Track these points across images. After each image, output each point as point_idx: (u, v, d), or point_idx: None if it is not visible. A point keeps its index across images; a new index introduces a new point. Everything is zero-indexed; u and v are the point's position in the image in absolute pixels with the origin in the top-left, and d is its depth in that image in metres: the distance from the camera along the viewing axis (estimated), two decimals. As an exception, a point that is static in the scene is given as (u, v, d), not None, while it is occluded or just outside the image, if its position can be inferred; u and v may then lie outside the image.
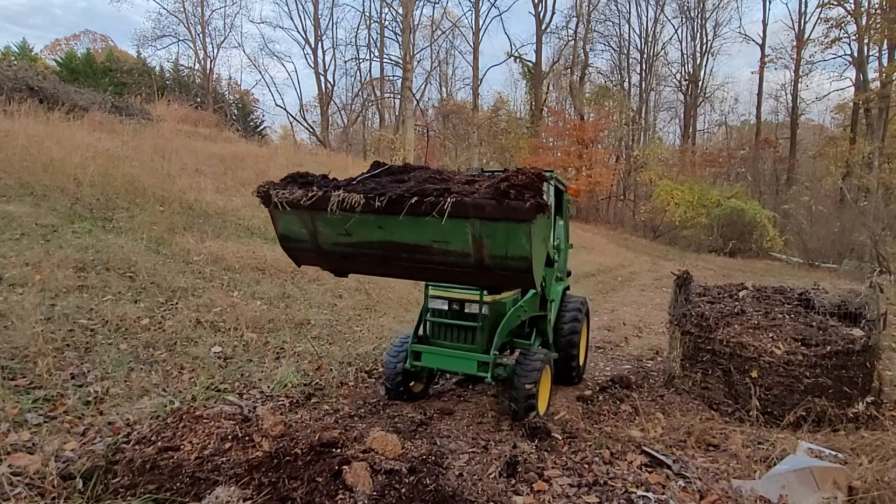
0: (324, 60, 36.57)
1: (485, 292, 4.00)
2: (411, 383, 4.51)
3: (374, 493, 2.70)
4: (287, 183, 3.18)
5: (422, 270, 3.19)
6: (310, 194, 2.97)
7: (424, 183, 2.89)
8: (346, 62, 46.24)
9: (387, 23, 36.26)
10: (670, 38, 41.75)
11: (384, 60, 36.35)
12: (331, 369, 4.98)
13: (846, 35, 28.66)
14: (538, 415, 3.95)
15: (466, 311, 4.13)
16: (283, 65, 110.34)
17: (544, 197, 2.67)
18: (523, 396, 3.90)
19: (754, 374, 4.43)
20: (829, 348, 4.33)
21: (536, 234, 2.71)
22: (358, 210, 2.83)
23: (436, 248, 2.89)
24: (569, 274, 5.93)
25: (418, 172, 3.15)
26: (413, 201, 2.72)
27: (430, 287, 4.28)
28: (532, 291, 4.53)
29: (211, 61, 34.85)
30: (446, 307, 4.20)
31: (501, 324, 4.06)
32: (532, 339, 4.72)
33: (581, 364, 5.44)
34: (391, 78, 37.40)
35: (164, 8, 34.85)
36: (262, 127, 31.82)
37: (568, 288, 5.72)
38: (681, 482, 3.18)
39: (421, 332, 4.32)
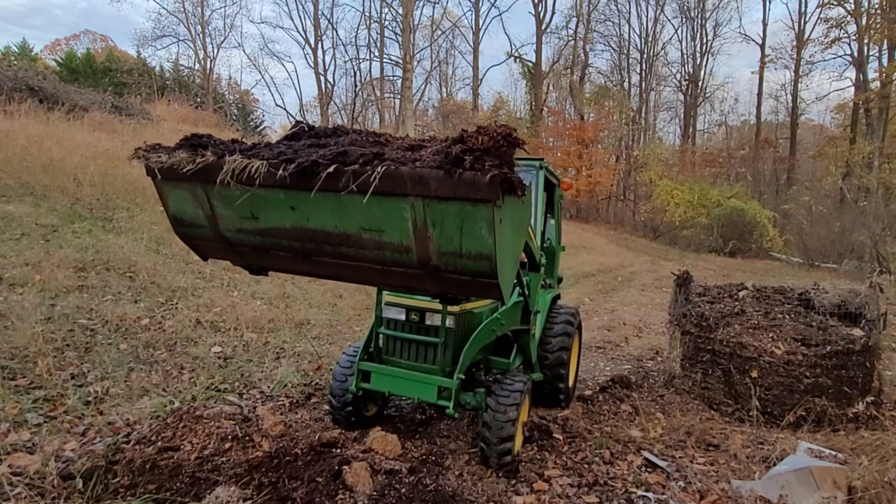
0: (324, 60, 36.66)
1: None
2: (362, 405, 3.70)
3: (374, 493, 2.71)
4: (178, 147, 2.43)
5: (353, 270, 2.41)
6: (197, 160, 2.25)
7: (349, 147, 2.18)
8: (346, 62, 46.22)
9: (387, 23, 36.32)
10: (670, 38, 41.82)
11: (384, 60, 36.41)
12: (331, 369, 4.97)
13: (846, 35, 28.69)
14: (513, 460, 3.19)
15: (427, 322, 3.34)
16: (283, 65, 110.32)
17: (523, 173, 2.00)
18: (497, 437, 3.11)
19: (754, 374, 4.43)
20: (829, 348, 4.33)
21: (504, 223, 1.99)
22: (258, 181, 2.12)
23: (366, 240, 2.17)
24: (560, 281, 5.22)
25: (350, 136, 2.43)
26: (330, 170, 2.00)
27: (384, 292, 3.51)
28: (512, 301, 3.82)
29: (211, 61, 34.90)
30: (403, 317, 3.40)
31: (470, 341, 3.27)
32: (512, 358, 3.91)
33: (571, 385, 4.69)
34: (391, 78, 37.45)
35: (164, 8, 34.92)
36: (262, 127, 31.81)
37: (558, 297, 5.02)
38: (681, 482, 3.18)
39: (373, 347, 3.55)
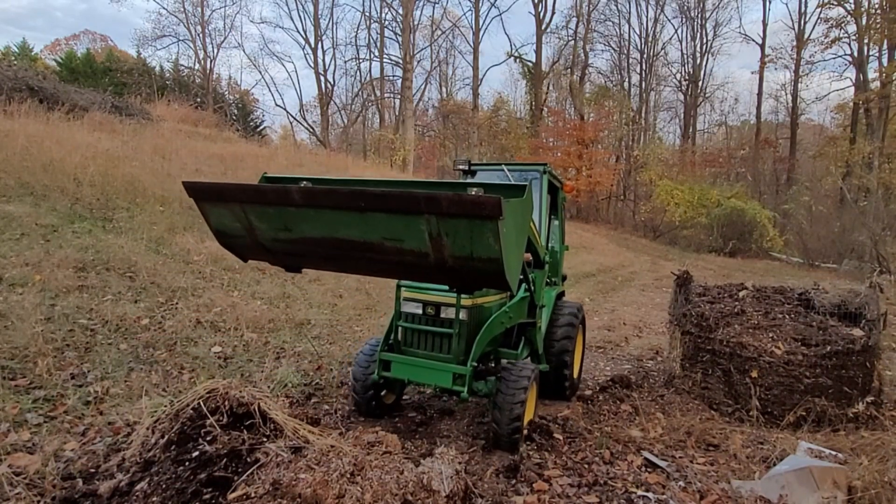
0: (324, 60, 36.62)
1: (463, 295, 3.51)
2: (382, 394, 4.03)
3: (374, 493, 2.70)
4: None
5: (378, 268, 2.81)
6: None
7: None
8: (346, 62, 46.26)
9: (387, 23, 36.31)
10: (670, 38, 41.82)
11: (384, 60, 36.39)
12: (331, 369, 4.98)
13: (846, 35, 28.67)
14: (521, 441, 3.45)
15: (442, 315, 3.63)
16: (283, 65, 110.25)
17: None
18: (508, 418, 3.38)
19: (754, 374, 4.43)
20: (829, 348, 4.32)
21: (508, 230, 2.27)
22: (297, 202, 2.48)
23: (388, 247, 2.49)
24: (564, 278, 5.49)
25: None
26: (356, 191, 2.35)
27: (402, 288, 3.82)
28: (519, 295, 4.11)
29: (211, 61, 34.88)
30: (420, 311, 3.70)
31: (481, 331, 3.57)
32: (519, 350, 4.22)
33: (575, 377, 4.96)
34: (391, 78, 37.44)
35: (164, 8, 34.89)
36: (262, 127, 31.86)
37: (563, 294, 5.31)
38: (681, 482, 3.18)
39: (392, 338, 3.83)
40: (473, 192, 2.29)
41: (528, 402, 3.61)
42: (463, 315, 3.57)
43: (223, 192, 2.69)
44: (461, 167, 4.86)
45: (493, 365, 4.08)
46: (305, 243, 2.70)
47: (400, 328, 3.80)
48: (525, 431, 3.55)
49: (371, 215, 2.35)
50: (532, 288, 4.07)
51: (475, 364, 3.49)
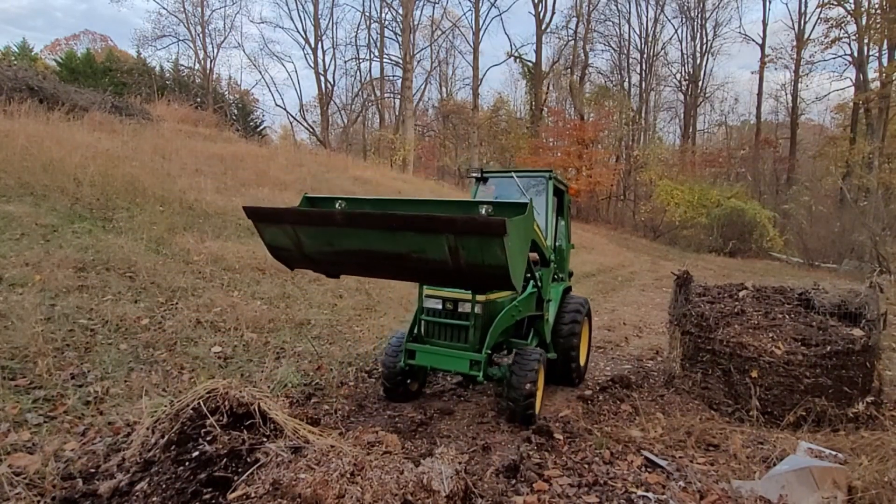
0: (324, 60, 36.62)
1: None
2: (408, 382, 4.52)
3: (375, 493, 2.70)
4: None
5: (405, 273, 3.47)
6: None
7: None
8: (346, 62, 46.28)
9: (387, 23, 36.30)
10: (670, 38, 41.79)
11: (384, 60, 36.39)
12: (331, 369, 4.98)
13: (846, 35, 28.66)
14: (536, 417, 3.96)
15: (459, 310, 4.12)
16: (283, 65, 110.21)
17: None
18: (522, 396, 3.87)
19: (754, 374, 4.43)
20: (829, 348, 4.32)
21: (512, 242, 2.76)
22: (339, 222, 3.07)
23: (415, 257, 3.01)
24: (570, 275, 5.88)
25: None
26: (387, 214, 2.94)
27: (424, 287, 4.28)
28: (528, 291, 4.59)
29: (211, 61, 34.90)
30: (440, 306, 4.21)
31: (494, 323, 4.05)
32: (529, 340, 4.71)
33: (582, 365, 5.40)
34: (391, 78, 37.44)
35: (164, 8, 34.88)
36: (262, 127, 31.87)
37: (570, 289, 5.70)
38: (681, 482, 3.18)
39: (416, 330, 4.33)
40: (484, 211, 2.94)
41: (538, 383, 4.07)
42: (478, 309, 4.04)
43: (278, 215, 3.27)
44: (474, 175, 5.32)
45: (506, 355, 4.52)
46: (345, 255, 3.25)
47: (422, 321, 4.29)
48: (537, 409, 4.02)
49: (400, 233, 2.86)
50: (539, 284, 4.47)
51: (489, 352, 3.95)
